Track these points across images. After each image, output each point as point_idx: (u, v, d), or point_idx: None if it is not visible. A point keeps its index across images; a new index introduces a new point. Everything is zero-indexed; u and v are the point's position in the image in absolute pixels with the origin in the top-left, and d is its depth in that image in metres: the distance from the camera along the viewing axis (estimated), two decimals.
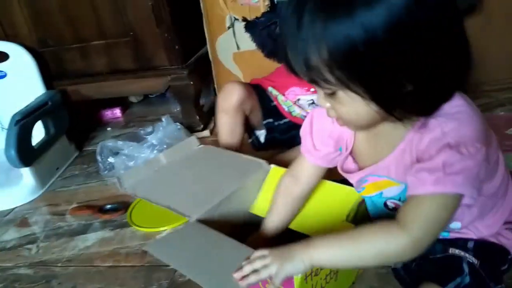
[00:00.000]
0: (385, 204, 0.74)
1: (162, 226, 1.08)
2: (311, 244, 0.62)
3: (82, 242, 1.10)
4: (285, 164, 0.89)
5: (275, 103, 1.23)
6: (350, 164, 0.74)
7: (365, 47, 0.50)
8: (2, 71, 1.54)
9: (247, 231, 0.84)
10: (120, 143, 1.36)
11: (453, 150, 0.56)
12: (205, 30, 1.52)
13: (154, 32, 1.47)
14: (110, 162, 1.34)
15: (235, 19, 1.44)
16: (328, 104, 0.61)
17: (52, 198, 1.34)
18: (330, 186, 0.84)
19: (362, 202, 0.77)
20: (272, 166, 0.94)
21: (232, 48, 1.51)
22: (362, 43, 0.50)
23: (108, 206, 1.20)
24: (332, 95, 0.58)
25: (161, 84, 1.57)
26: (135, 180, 0.98)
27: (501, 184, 0.69)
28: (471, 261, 0.66)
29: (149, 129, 1.43)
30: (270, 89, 1.24)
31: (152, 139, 1.33)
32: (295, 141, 1.15)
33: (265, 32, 1.34)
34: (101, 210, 1.19)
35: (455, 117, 0.58)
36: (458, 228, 0.70)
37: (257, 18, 1.37)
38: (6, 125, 1.33)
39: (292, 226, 0.84)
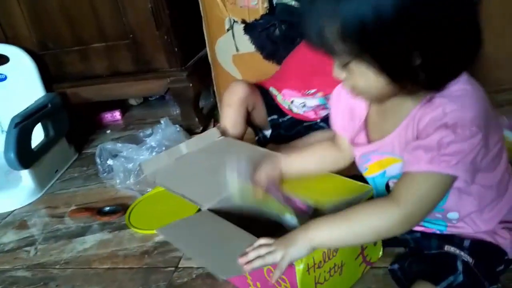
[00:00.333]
0: (387, 186, 0.75)
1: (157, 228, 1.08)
2: (310, 227, 0.65)
3: (80, 245, 1.10)
4: None
5: (276, 102, 1.26)
6: (361, 137, 0.76)
7: (376, 19, 0.53)
8: (2, 74, 1.55)
9: (258, 224, 0.84)
10: (119, 145, 1.36)
11: (449, 130, 0.58)
12: (204, 33, 1.52)
13: (153, 35, 1.48)
14: (109, 165, 1.34)
15: (234, 21, 1.44)
16: (342, 76, 0.64)
17: (51, 201, 1.34)
18: (341, 180, 0.85)
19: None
20: None
21: (231, 50, 1.51)
22: (373, 16, 0.53)
23: (107, 208, 1.20)
24: (345, 66, 0.61)
25: (160, 87, 1.57)
26: (155, 168, 0.99)
27: (501, 179, 0.69)
28: (465, 259, 0.66)
29: (149, 132, 1.44)
30: (271, 89, 1.27)
31: (151, 141, 1.33)
32: (300, 137, 1.21)
33: (264, 34, 1.35)
34: (100, 212, 1.19)
35: (459, 100, 0.60)
36: (456, 218, 0.70)
37: (256, 20, 1.38)
38: (6, 128, 1.33)
39: None
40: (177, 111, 1.76)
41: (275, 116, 1.26)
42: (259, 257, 0.65)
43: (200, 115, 1.62)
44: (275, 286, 0.73)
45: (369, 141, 0.74)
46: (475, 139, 0.58)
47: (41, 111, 1.42)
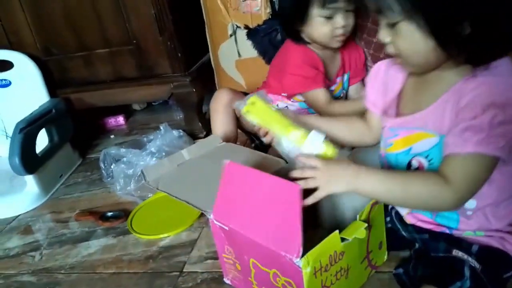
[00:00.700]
0: (409, 164, 0.74)
1: (162, 233, 1.08)
2: (362, 171, 0.67)
3: (85, 249, 1.10)
4: None
5: None
6: (392, 110, 0.77)
7: None
8: (6, 80, 1.56)
9: None
10: (123, 150, 1.36)
11: (499, 109, 0.58)
12: (207, 38, 1.54)
13: (157, 40, 1.48)
14: (113, 170, 1.34)
15: (237, 26, 1.45)
16: (387, 39, 0.66)
17: (56, 206, 1.35)
18: None
19: (376, 203, 0.77)
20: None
21: (234, 56, 1.52)
22: None
23: (109, 214, 1.20)
24: (393, 26, 0.62)
25: (164, 92, 1.58)
26: (158, 174, 1.00)
27: None
28: (473, 265, 0.66)
29: (152, 136, 1.44)
30: None
31: (151, 147, 1.34)
32: None
33: (266, 39, 1.35)
34: (103, 217, 1.19)
35: (504, 79, 0.61)
36: (472, 208, 0.70)
37: (258, 25, 1.39)
38: (11, 133, 1.34)
39: None
40: (181, 116, 1.76)
41: None
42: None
43: (203, 120, 1.62)
44: None
45: (399, 115, 0.75)
46: None
47: (46, 116, 1.43)
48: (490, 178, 0.65)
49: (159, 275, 0.96)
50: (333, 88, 1.24)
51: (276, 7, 1.33)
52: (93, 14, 1.50)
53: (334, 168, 0.69)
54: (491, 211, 0.70)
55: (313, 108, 1.20)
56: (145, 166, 1.27)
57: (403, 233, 0.80)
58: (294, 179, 0.69)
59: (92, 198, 1.34)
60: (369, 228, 0.75)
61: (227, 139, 1.18)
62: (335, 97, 1.23)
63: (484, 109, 0.59)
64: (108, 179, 1.37)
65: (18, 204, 1.35)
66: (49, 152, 1.43)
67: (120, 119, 1.92)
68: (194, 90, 1.55)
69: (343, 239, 0.71)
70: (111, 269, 1.01)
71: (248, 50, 1.44)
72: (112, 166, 1.36)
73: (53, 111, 1.47)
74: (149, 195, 1.23)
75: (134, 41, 1.51)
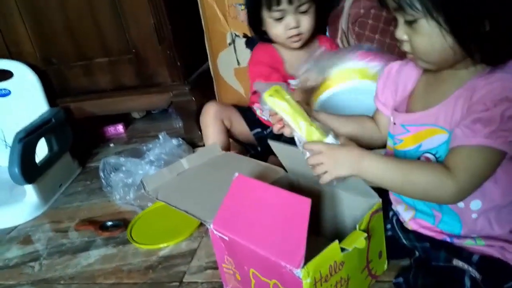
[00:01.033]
0: None
1: (162, 243, 1.08)
2: (366, 156, 0.68)
3: (84, 259, 1.10)
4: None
5: (257, 116, 1.30)
6: (403, 107, 0.78)
7: None
8: (6, 89, 1.56)
9: None
10: (122, 159, 1.37)
11: (511, 103, 0.59)
12: (206, 47, 1.54)
13: (156, 50, 1.49)
14: (112, 179, 1.34)
15: (236, 35, 1.46)
16: (405, 37, 0.67)
17: (55, 215, 1.34)
18: (345, 195, 0.85)
19: (375, 213, 0.77)
20: (289, 173, 0.96)
21: (233, 64, 1.52)
22: None
23: (109, 223, 1.20)
24: (412, 23, 0.64)
25: (163, 100, 1.58)
26: (158, 184, 1.00)
27: None
28: (473, 275, 0.66)
29: (151, 145, 1.44)
30: (254, 106, 1.31)
31: (149, 156, 1.34)
32: None
33: None
34: (102, 227, 1.19)
35: None
36: (477, 210, 0.70)
37: None
38: (10, 143, 1.34)
39: None
40: (180, 124, 1.77)
41: (258, 129, 1.28)
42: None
43: None
44: None
45: (409, 112, 0.76)
46: None
47: (45, 126, 1.43)
48: (495, 177, 0.65)
49: (159, 285, 0.96)
50: None
51: None
52: (93, 23, 1.50)
53: (339, 152, 0.70)
54: (494, 215, 0.70)
55: None
56: (144, 175, 1.27)
57: (404, 241, 0.80)
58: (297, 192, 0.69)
59: (91, 207, 1.34)
60: (368, 237, 0.75)
61: None
62: None
63: (496, 103, 0.60)
64: (108, 188, 1.37)
65: (18, 214, 1.34)
66: (49, 161, 1.43)
67: (120, 128, 1.92)
68: (193, 98, 1.56)
69: (343, 249, 0.71)
70: (111, 280, 1.01)
71: (247, 58, 1.44)
72: (112, 175, 1.36)
73: (53, 120, 1.47)
74: (149, 204, 1.23)
75: (134, 50, 1.51)
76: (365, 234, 0.72)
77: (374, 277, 0.83)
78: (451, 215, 0.72)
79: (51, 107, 1.55)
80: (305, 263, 0.65)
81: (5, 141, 1.60)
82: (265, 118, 1.25)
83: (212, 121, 1.26)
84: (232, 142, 1.34)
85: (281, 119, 0.80)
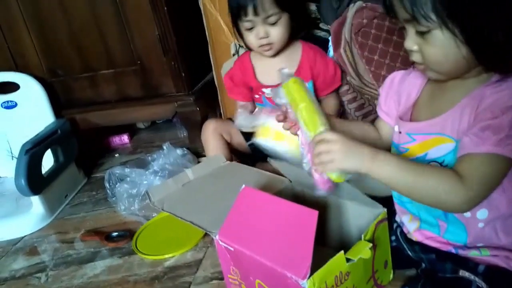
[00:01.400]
0: None
1: (167, 253, 1.08)
2: (380, 154, 0.66)
3: (90, 270, 1.10)
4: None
5: None
6: (407, 116, 0.78)
7: None
8: (12, 101, 1.58)
9: None
10: (127, 170, 1.37)
11: None
12: (210, 57, 1.55)
13: (161, 61, 1.51)
14: (116, 190, 1.35)
15: (240, 46, 1.47)
16: (415, 47, 0.66)
17: (61, 226, 1.35)
18: (350, 204, 0.85)
19: (380, 222, 0.77)
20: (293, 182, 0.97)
21: None
22: None
23: (114, 234, 1.20)
24: (424, 34, 0.63)
25: (168, 111, 1.60)
26: (163, 195, 1.01)
27: None
28: (480, 285, 0.66)
29: (156, 155, 1.45)
30: None
31: (153, 166, 1.35)
32: None
33: None
34: (108, 238, 1.20)
35: None
36: (483, 219, 0.70)
37: None
38: (17, 154, 1.35)
39: None
40: (185, 134, 1.78)
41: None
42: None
43: None
44: None
45: (413, 121, 0.76)
46: None
47: (51, 137, 1.45)
48: (503, 186, 0.65)
49: None
50: None
51: None
52: (98, 35, 1.52)
53: (353, 144, 0.67)
54: (501, 224, 0.70)
55: None
56: (148, 185, 1.28)
57: (409, 252, 0.80)
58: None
59: (97, 218, 1.35)
60: (374, 247, 0.75)
61: None
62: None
63: (504, 111, 0.60)
64: (113, 199, 1.37)
65: (24, 225, 1.35)
66: (55, 172, 1.44)
67: (125, 138, 1.93)
68: (197, 108, 1.57)
69: (348, 260, 0.71)
70: None
71: None
72: (116, 186, 1.37)
73: (59, 131, 1.48)
74: (154, 215, 1.23)
75: (139, 62, 1.53)
76: (370, 244, 0.72)
77: (380, 287, 0.82)
78: (457, 225, 0.72)
79: (57, 119, 1.56)
80: (310, 274, 0.65)
81: (11, 153, 1.62)
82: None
83: (211, 136, 1.30)
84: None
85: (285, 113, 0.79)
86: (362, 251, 0.71)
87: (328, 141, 0.67)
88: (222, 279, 0.91)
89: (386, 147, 0.84)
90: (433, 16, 0.60)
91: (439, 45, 0.63)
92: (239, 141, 1.33)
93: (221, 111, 1.67)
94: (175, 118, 1.83)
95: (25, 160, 1.30)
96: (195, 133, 1.61)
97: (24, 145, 1.34)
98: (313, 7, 1.38)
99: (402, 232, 0.82)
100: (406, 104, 0.79)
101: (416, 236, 0.78)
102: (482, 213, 0.69)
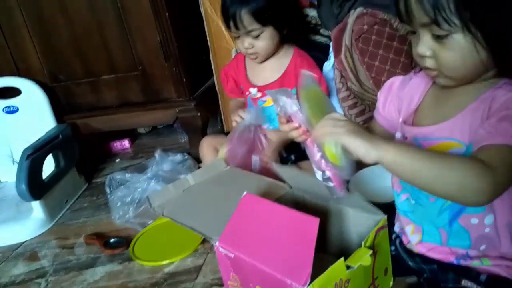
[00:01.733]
0: None
1: (167, 259, 1.08)
2: (393, 141, 0.63)
3: (90, 276, 1.10)
4: None
5: None
6: (408, 120, 0.77)
7: None
8: (14, 106, 1.58)
9: None
10: (128, 175, 1.38)
11: None
12: (211, 63, 1.56)
13: (162, 66, 1.51)
14: (110, 199, 1.34)
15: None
16: (429, 52, 0.64)
17: (61, 231, 1.35)
18: (351, 211, 0.85)
19: (381, 229, 0.77)
20: (294, 188, 0.96)
21: None
22: None
23: (112, 240, 1.20)
24: (443, 38, 0.61)
25: (169, 116, 1.60)
26: (164, 200, 1.00)
27: None
28: None
29: (155, 161, 1.45)
30: None
31: (147, 173, 1.37)
32: None
33: None
34: (106, 244, 1.19)
35: None
36: (490, 223, 0.69)
37: None
38: (18, 159, 1.35)
39: None
40: (185, 139, 1.78)
41: None
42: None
43: None
44: None
45: (416, 125, 0.75)
46: None
47: (52, 142, 1.45)
48: (509, 190, 0.63)
49: None
50: (264, 99, 1.31)
51: None
52: (100, 41, 1.53)
53: (363, 129, 0.63)
54: (505, 232, 0.69)
55: None
56: (142, 192, 1.28)
57: (409, 263, 0.80)
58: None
59: (97, 223, 1.35)
60: (374, 254, 0.75)
61: None
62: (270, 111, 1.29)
63: None
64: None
65: (24, 230, 1.35)
66: (56, 177, 1.45)
67: (126, 143, 1.93)
68: (198, 114, 1.57)
69: (348, 267, 0.71)
70: None
71: None
72: (118, 191, 1.37)
73: (60, 136, 1.49)
74: (149, 222, 1.23)
75: (140, 67, 1.54)
76: (371, 251, 0.72)
77: None
78: (460, 233, 0.71)
79: (58, 124, 1.57)
80: (310, 281, 0.65)
81: (12, 157, 1.62)
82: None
83: (206, 151, 1.35)
84: None
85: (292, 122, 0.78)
86: (362, 258, 0.71)
87: (337, 118, 0.64)
88: (222, 285, 0.90)
89: None
90: (455, 19, 0.59)
91: (458, 49, 0.61)
92: None
93: (222, 116, 1.67)
94: (176, 123, 1.83)
95: (26, 165, 1.30)
96: (196, 138, 1.61)
97: (25, 150, 1.34)
98: (314, 13, 1.38)
99: (401, 242, 0.82)
100: (408, 109, 0.78)
101: (418, 249, 0.78)
102: (489, 218, 0.69)
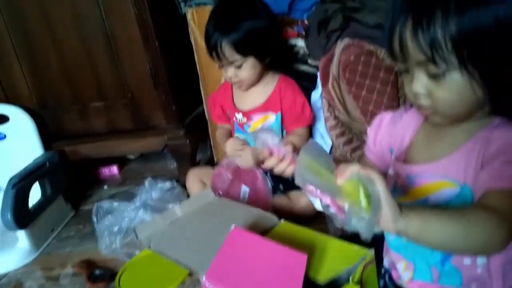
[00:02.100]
0: None
1: None
2: (410, 208, 0.58)
3: None
4: None
5: None
6: (401, 157, 0.76)
7: (496, 30, 0.56)
8: (1, 133, 1.57)
9: None
10: (115, 204, 1.36)
11: None
12: (201, 91, 1.57)
13: (152, 94, 1.52)
14: (96, 229, 1.32)
15: None
16: (424, 91, 0.63)
17: (47, 261, 1.32)
18: (337, 244, 0.84)
19: (369, 264, 0.77)
20: (282, 220, 0.96)
21: None
22: (494, 27, 0.56)
23: (97, 272, 1.18)
24: (439, 77, 0.60)
25: (158, 143, 1.60)
26: (150, 232, 0.99)
27: None
28: None
29: (143, 189, 1.44)
30: None
31: (136, 202, 1.36)
32: None
33: None
34: (91, 276, 1.17)
35: None
36: (482, 263, 0.68)
37: None
38: (4, 186, 1.34)
39: None
40: (174, 165, 1.77)
41: None
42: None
43: None
44: None
45: (408, 163, 0.74)
46: None
47: (39, 170, 1.43)
48: None
49: None
50: (249, 123, 1.34)
51: None
52: (89, 68, 1.53)
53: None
54: (498, 272, 0.69)
55: None
56: (130, 221, 1.27)
57: None
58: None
59: (84, 253, 1.32)
60: None
61: None
62: None
63: None
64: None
65: (9, 260, 1.32)
66: (42, 205, 1.43)
67: (114, 169, 1.92)
68: (187, 141, 1.57)
69: None
70: None
71: None
72: (105, 220, 1.35)
73: (47, 164, 1.47)
74: (136, 252, 1.21)
75: (129, 95, 1.54)
76: (358, 287, 0.72)
77: None
78: (452, 272, 0.71)
79: (46, 151, 1.55)
80: None
81: None
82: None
83: (192, 183, 1.39)
84: None
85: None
86: None
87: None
88: None
89: None
90: (452, 58, 0.58)
91: (454, 87, 0.60)
92: None
93: (211, 143, 1.67)
94: (165, 149, 1.83)
95: (11, 194, 1.29)
96: (184, 165, 1.61)
97: (11, 179, 1.32)
98: (301, 43, 1.41)
99: (390, 277, 0.82)
100: (401, 147, 0.77)
101: (409, 286, 0.77)
102: (482, 259, 0.68)
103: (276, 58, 1.32)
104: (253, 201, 1.21)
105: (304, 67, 1.43)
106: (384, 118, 0.82)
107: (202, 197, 1.13)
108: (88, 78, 1.55)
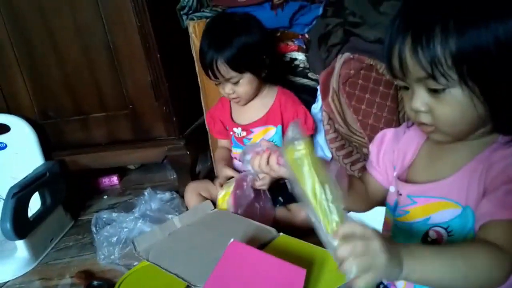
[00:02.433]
0: (426, 235, 0.69)
1: None
2: (411, 249, 0.55)
3: None
4: None
5: None
6: (402, 175, 0.75)
7: (496, 50, 0.56)
8: (2, 143, 1.57)
9: None
10: (114, 214, 1.36)
11: None
12: (201, 102, 1.58)
13: (152, 105, 1.53)
14: (96, 239, 1.33)
15: None
16: (424, 108, 0.62)
17: (45, 272, 1.32)
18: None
19: None
20: (281, 234, 0.96)
21: None
22: (494, 47, 0.56)
23: (95, 283, 1.17)
24: (439, 93, 0.60)
25: (158, 154, 1.60)
26: (149, 244, 0.99)
27: None
28: None
29: (143, 200, 1.44)
30: None
31: (135, 212, 1.36)
32: None
33: None
34: (88, 287, 1.17)
35: None
36: None
37: None
38: (4, 195, 1.34)
39: None
40: (174, 176, 1.78)
41: None
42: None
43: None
44: None
45: (409, 182, 0.73)
46: None
47: (39, 180, 1.44)
48: None
49: None
50: (250, 137, 1.34)
51: None
52: (91, 79, 1.54)
53: (387, 241, 0.54)
54: None
55: None
56: (129, 232, 1.27)
57: None
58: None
59: (82, 263, 1.32)
60: None
61: None
62: None
63: None
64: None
65: (7, 270, 1.32)
66: (41, 215, 1.43)
67: (114, 179, 1.92)
68: (187, 152, 1.58)
69: None
70: None
71: None
72: (104, 231, 1.35)
73: (47, 174, 1.48)
74: (135, 263, 1.21)
75: (130, 106, 1.55)
76: None
77: None
78: None
79: (46, 161, 1.56)
80: None
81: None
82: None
83: (190, 196, 1.38)
84: None
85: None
86: None
87: (364, 238, 0.53)
88: None
89: (370, 207, 0.83)
90: (452, 73, 0.57)
91: (455, 104, 0.60)
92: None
93: (211, 154, 1.68)
94: (165, 160, 1.83)
95: (11, 204, 1.29)
96: (184, 176, 1.61)
97: (11, 188, 1.33)
98: (302, 56, 1.42)
99: None
100: (403, 165, 0.77)
101: None
102: None
103: (273, 71, 1.33)
104: (260, 217, 1.21)
105: (304, 81, 1.44)
106: (386, 134, 0.81)
107: (201, 209, 1.14)
108: (89, 89, 1.56)
